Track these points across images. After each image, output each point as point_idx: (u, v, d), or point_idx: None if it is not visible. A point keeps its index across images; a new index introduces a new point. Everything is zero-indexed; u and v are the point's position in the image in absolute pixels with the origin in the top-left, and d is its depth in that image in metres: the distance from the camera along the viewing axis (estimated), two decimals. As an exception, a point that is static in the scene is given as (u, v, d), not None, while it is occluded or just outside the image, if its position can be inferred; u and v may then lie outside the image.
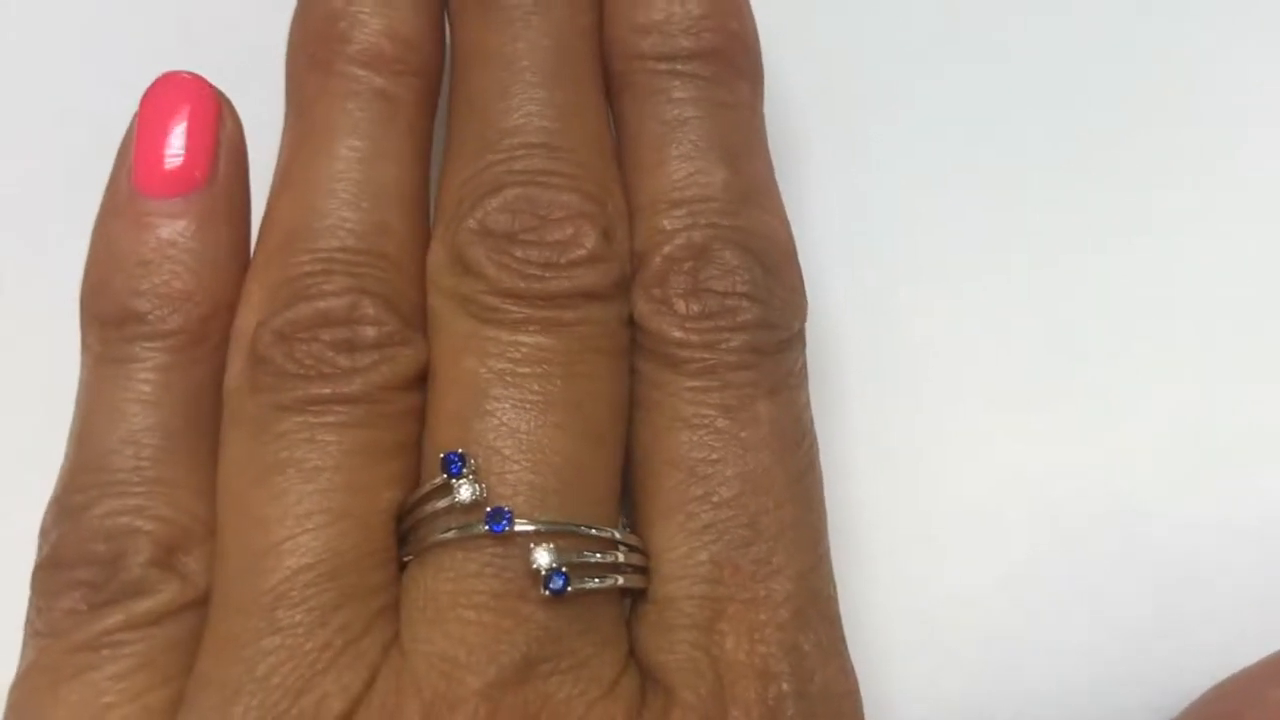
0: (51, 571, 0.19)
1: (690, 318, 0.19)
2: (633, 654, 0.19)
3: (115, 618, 0.18)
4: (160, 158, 0.20)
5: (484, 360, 0.19)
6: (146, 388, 0.20)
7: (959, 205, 0.25)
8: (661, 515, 0.19)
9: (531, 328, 0.19)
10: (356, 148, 0.20)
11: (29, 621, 0.19)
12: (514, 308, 0.19)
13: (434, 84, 0.21)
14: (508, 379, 0.19)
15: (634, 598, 0.19)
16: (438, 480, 0.18)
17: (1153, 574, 0.23)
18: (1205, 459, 0.24)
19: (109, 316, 0.20)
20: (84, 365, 0.20)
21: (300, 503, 0.18)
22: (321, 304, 0.19)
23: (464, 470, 0.18)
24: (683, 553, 0.19)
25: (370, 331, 0.19)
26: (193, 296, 0.20)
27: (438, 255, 0.20)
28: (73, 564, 0.19)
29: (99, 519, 0.19)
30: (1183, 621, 0.23)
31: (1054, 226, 0.25)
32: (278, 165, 0.21)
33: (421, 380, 0.19)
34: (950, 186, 0.26)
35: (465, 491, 0.18)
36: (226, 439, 0.19)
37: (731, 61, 0.21)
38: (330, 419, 0.19)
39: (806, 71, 0.26)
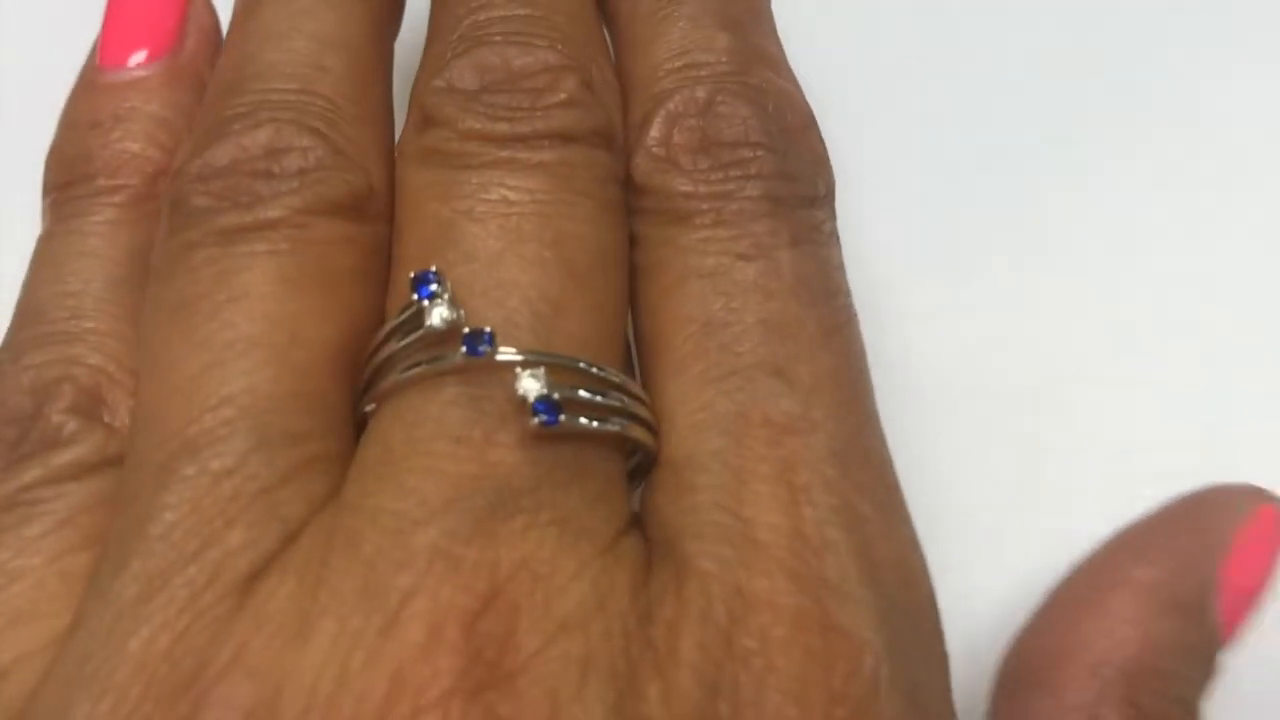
0: None
1: (699, 170, 0.17)
2: (640, 528, 0.16)
3: (32, 473, 0.16)
4: (123, 33, 0.19)
5: (448, 202, 0.16)
6: (91, 241, 0.18)
7: (959, 205, 0.24)
8: (674, 371, 0.16)
9: (501, 170, 0.16)
10: (296, 3, 0.18)
11: None
12: (481, 149, 0.17)
13: None
14: (475, 216, 0.16)
15: (642, 467, 0.16)
16: (404, 314, 0.15)
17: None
18: (1211, 464, 0.22)
19: (60, 181, 0.19)
20: (39, 239, 0.19)
21: (209, 337, 0.15)
22: (244, 139, 0.17)
23: (437, 291, 0.15)
24: (700, 404, 0.15)
25: (294, 159, 0.17)
26: (145, 152, 0.19)
27: (405, 127, 0.18)
28: None
29: (24, 370, 0.17)
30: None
31: (1055, 229, 0.24)
32: (227, 32, 0.19)
33: (359, 209, 0.17)
34: (950, 187, 0.25)
35: (438, 314, 0.15)
36: (150, 288, 0.17)
37: None
38: (245, 248, 0.16)
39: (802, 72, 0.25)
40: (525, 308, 0.15)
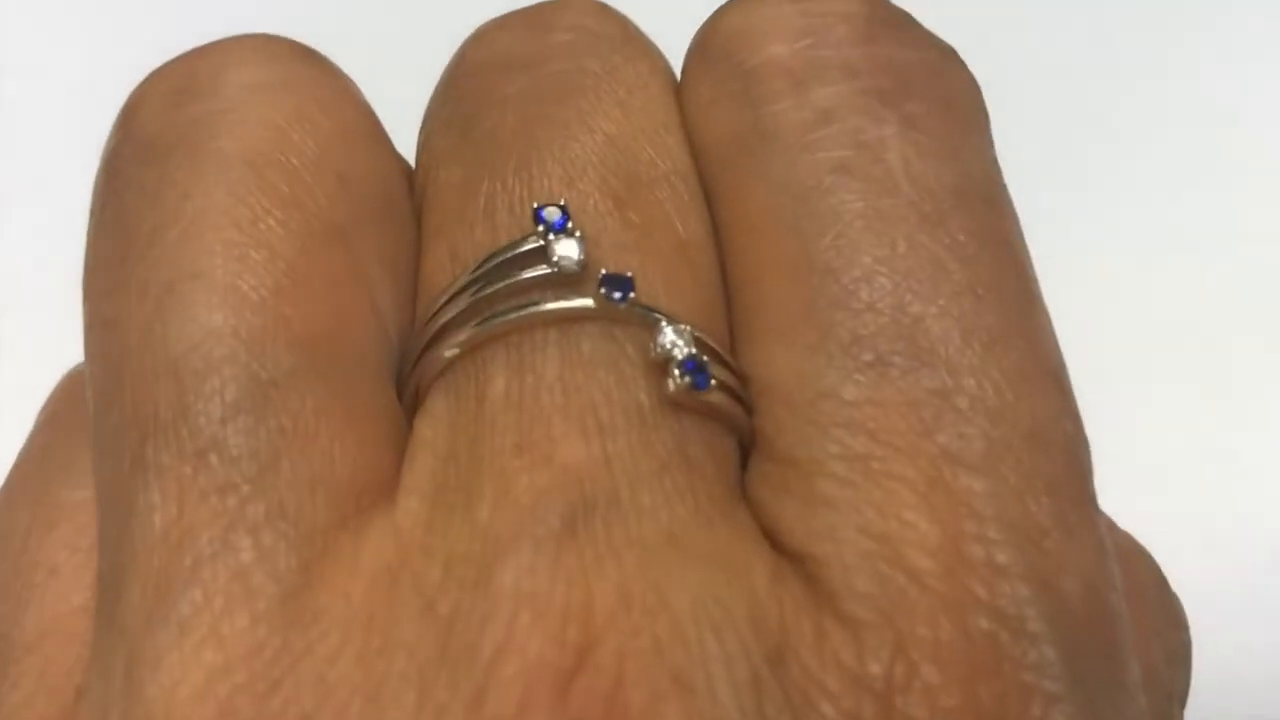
0: None
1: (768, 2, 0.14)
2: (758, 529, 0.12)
3: None
4: None
5: (463, 140, 0.14)
6: None
7: None
8: (776, 338, 0.13)
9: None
10: None
11: None
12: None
13: None
14: (488, 139, 0.14)
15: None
16: (467, 274, 0.13)
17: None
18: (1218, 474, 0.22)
19: None
20: None
21: (156, 276, 0.13)
22: None
23: (566, 225, 0.13)
24: (822, 388, 0.12)
25: None
26: None
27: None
28: None
29: None
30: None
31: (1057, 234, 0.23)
32: None
33: None
34: None
35: (568, 248, 0.12)
36: None
37: None
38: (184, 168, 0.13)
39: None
40: (595, 236, 0.13)
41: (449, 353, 0.12)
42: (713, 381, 0.12)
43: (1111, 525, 0.14)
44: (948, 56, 0.14)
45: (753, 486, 0.13)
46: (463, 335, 0.12)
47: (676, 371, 0.12)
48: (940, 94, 0.14)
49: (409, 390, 0.13)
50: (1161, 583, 0.15)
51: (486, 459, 0.12)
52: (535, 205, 0.13)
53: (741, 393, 0.13)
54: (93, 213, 0.14)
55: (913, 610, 0.11)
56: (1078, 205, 0.25)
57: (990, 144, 0.14)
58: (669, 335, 0.12)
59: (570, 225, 0.12)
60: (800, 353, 0.12)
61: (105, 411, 0.12)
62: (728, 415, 0.12)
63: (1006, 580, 0.11)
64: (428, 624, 0.11)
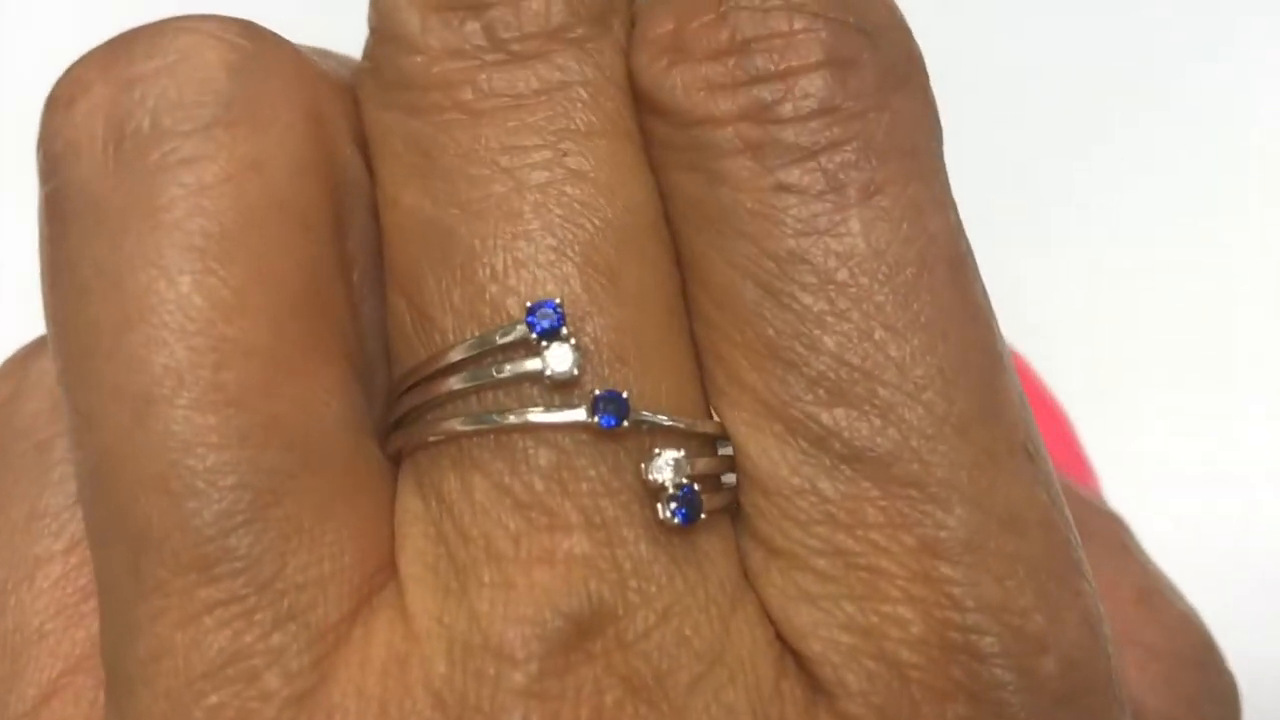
0: None
1: (713, 58, 0.12)
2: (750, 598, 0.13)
3: None
4: None
5: (425, 180, 0.13)
6: None
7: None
8: (749, 422, 0.12)
9: (484, 122, 0.12)
10: None
11: None
12: (450, 76, 0.13)
13: None
14: (462, 200, 0.12)
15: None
16: (491, 339, 0.12)
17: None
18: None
19: None
20: None
21: (129, 380, 0.12)
22: None
23: (561, 329, 0.12)
24: (796, 483, 0.12)
25: None
26: None
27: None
28: None
29: None
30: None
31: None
32: None
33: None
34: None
35: (561, 359, 0.12)
36: None
37: None
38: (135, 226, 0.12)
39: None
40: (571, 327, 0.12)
41: (434, 437, 0.12)
42: (703, 515, 0.12)
43: (1164, 599, 0.14)
44: (906, 82, 0.13)
45: (753, 573, 0.13)
46: (456, 425, 0.12)
47: (670, 507, 0.12)
48: (902, 143, 0.13)
49: (391, 447, 0.13)
50: (1208, 656, 0.16)
51: (481, 546, 0.12)
52: (528, 304, 0.12)
53: (733, 484, 0.13)
54: (45, 273, 0.13)
55: (900, 703, 0.12)
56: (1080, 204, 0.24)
57: (947, 181, 0.13)
58: (661, 469, 0.12)
59: (565, 331, 0.12)
60: (772, 444, 0.12)
61: (95, 504, 0.12)
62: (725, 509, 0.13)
63: (985, 666, 0.12)
64: (437, 715, 0.11)
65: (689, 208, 0.13)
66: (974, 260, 0.13)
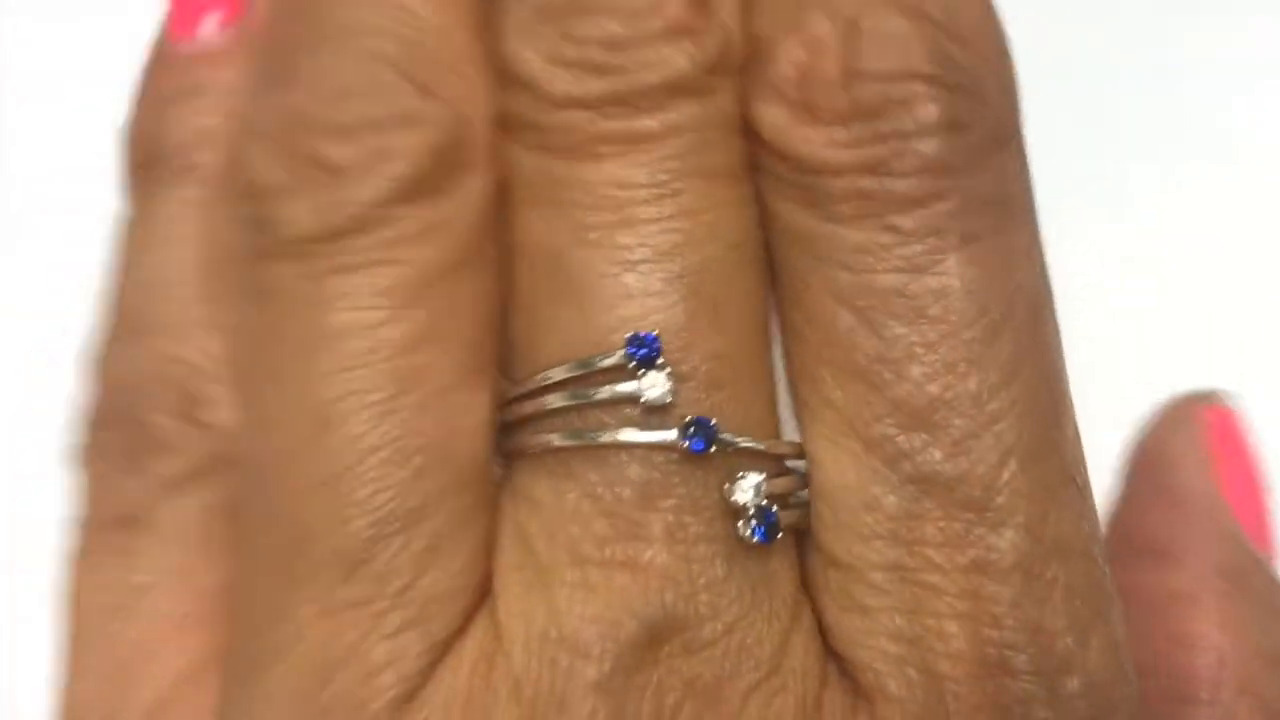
0: (89, 435, 0.16)
1: (839, 120, 0.13)
2: (805, 609, 0.14)
3: (140, 483, 0.14)
4: (191, 6, 0.17)
5: (550, 213, 0.14)
6: (178, 225, 0.16)
7: None
8: (829, 437, 0.14)
9: (604, 151, 0.13)
10: None
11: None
12: (574, 121, 0.14)
13: None
14: (586, 240, 0.13)
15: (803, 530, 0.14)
16: (590, 363, 0.13)
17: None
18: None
19: (137, 160, 0.17)
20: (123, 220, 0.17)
21: (302, 388, 0.13)
22: (323, 82, 0.14)
23: (656, 358, 0.13)
24: (864, 497, 0.13)
25: (386, 110, 0.13)
26: (219, 129, 0.16)
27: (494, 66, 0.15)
28: (98, 423, 0.15)
29: (116, 365, 0.15)
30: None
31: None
32: None
33: (452, 171, 0.14)
34: None
35: (656, 386, 0.13)
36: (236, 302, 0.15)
37: None
38: (324, 262, 0.13)
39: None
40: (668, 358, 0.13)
41: (538, 446, 0.13)
42: (779, 535, 0.13)
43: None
44: (1008, 142, 0.14)
45: (812, 586, 0.14)
46: (554, 440, 0.13)
47: (750, 525, 0.13)
48: (1000, 195, 0.14)
49: (498, 454, 0.14)
50: None
51: (566, 548, 0.13)
52: (628, 335, 0.13)
53: (802, 501, 0.14)
54: (243, 299, 0.14)
55: (934, 712, 0.13)
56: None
57: (1038, 233, 0.14)
58: (743, 492, 0.13)
59: (661, 361, 0.13)
60: (847, 460, 0.13)
61: (255, 502, 0.14)
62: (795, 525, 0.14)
63: (1017, 680, 0.13)
64: (514, 704, 0.13)
65: (795, 238, 0.14)
66: (1053, 304, 0.14)
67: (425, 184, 0.13)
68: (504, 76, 0.14)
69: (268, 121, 0.14)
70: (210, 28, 0.16)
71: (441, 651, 0.13)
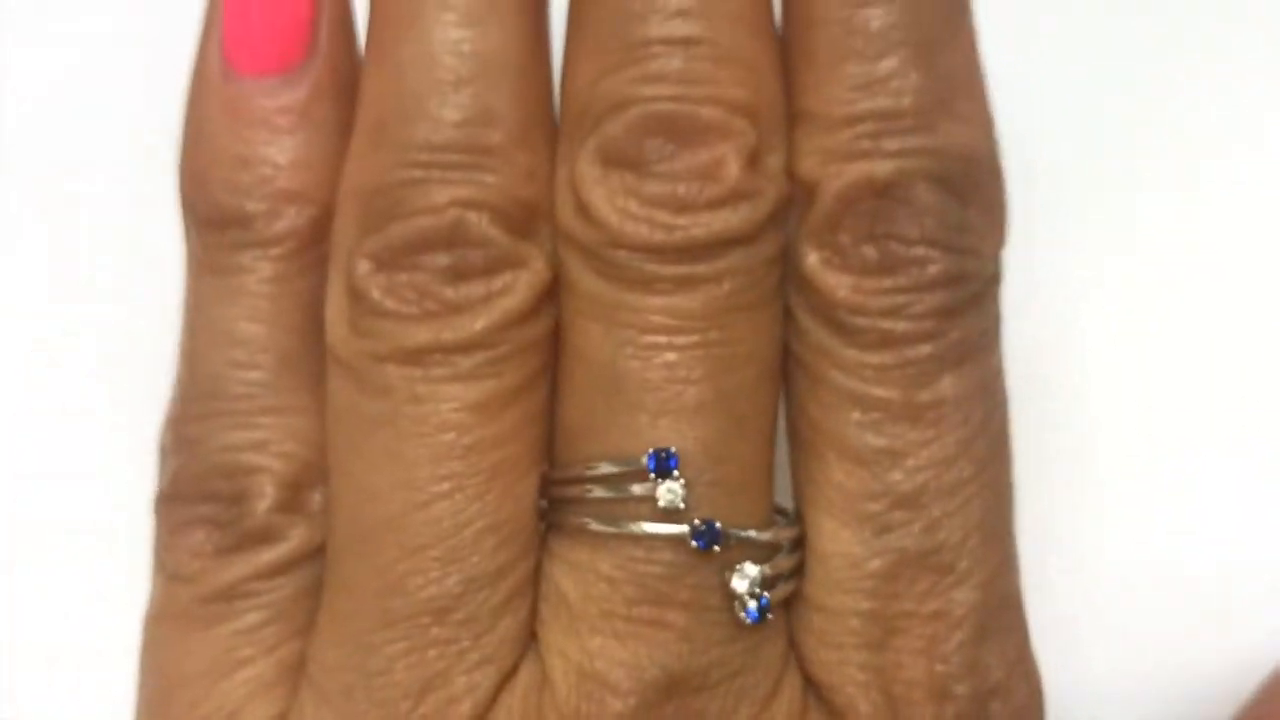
0: (174, 505, 0.18)
1: (867, 273, 0.16)
2: (793, 653, 0.17)
3: (243, 568, 0.17)
4: (252, 25, 0.17)
5: (609, 329, 0.16)
6: (256, 302, 0.17)
7: None
8: (829, 511, 0.17)
9: (662, 287, 0.16)
10: (450, 16, 0.16)
11: (156, 554, 0.18)
12: (641, 264, 0.16)
13: None
14: (637, 354, 0.16)
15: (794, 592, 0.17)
16: (619, 466, 0.16)
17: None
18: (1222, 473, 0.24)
19: (210, 218, 0.17)
20: (189, 269, 0.18)
21: (408, 472, 0.16)
22: (419, 222, 0.16)
23: (674, 472, 0.16)
24: (853, 560, 0.16)
25: (477, 255, 0.16)
26: (299, 196, 0.17)
27: (559, 180, 0.17)
28: (194, 500, 0.17)
29: (218, 453, 0.17)
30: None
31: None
32: (367, 35, 0.17)
33: (542, 301, 0.17)
34: None
35: (668, 495, 0.16)
36: (330, 378, 0.17)
37: None
38: (437, 372, 0.16)
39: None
40: (689, 465, 0.16)
41: (578, 526, 0.16)
42: (769, 616, 0.16)
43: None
44: (994, 287, 0.17)
45: (800, 627, 0.17)
46: (592, 524, 0.16)
47: (747, 609, 0.16)
48: (984, 326, 0.17)
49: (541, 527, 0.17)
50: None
51: (600, 605, 0.16)
52: (650, 450, 0.16)
53: (792, 565, 0.17)
54: (351, 388, 0.17)
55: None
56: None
57: (1001, 348, 0.18)
58: (739, 581, 0.16)
59: (677, 473, 0.16)
60: (842, 529, 0.17)
61: (354, 556, 0.16)
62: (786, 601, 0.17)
63: (957, 703, 0.17)
64: None
65: (821, 353, 0.17)
66: (1008, 404, 0.17)
67: (526, 314, 0.16)
68: (578, 207, 0.16)
69: (376, 248, 0.16)
70: (273, 65, 0.17)
71: (505, 682, 0.16)
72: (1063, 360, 0.24)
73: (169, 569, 0.18)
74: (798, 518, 0.17)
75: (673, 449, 0.16)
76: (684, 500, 0.16)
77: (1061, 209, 0.25)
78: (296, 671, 0.17)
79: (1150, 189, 0.25)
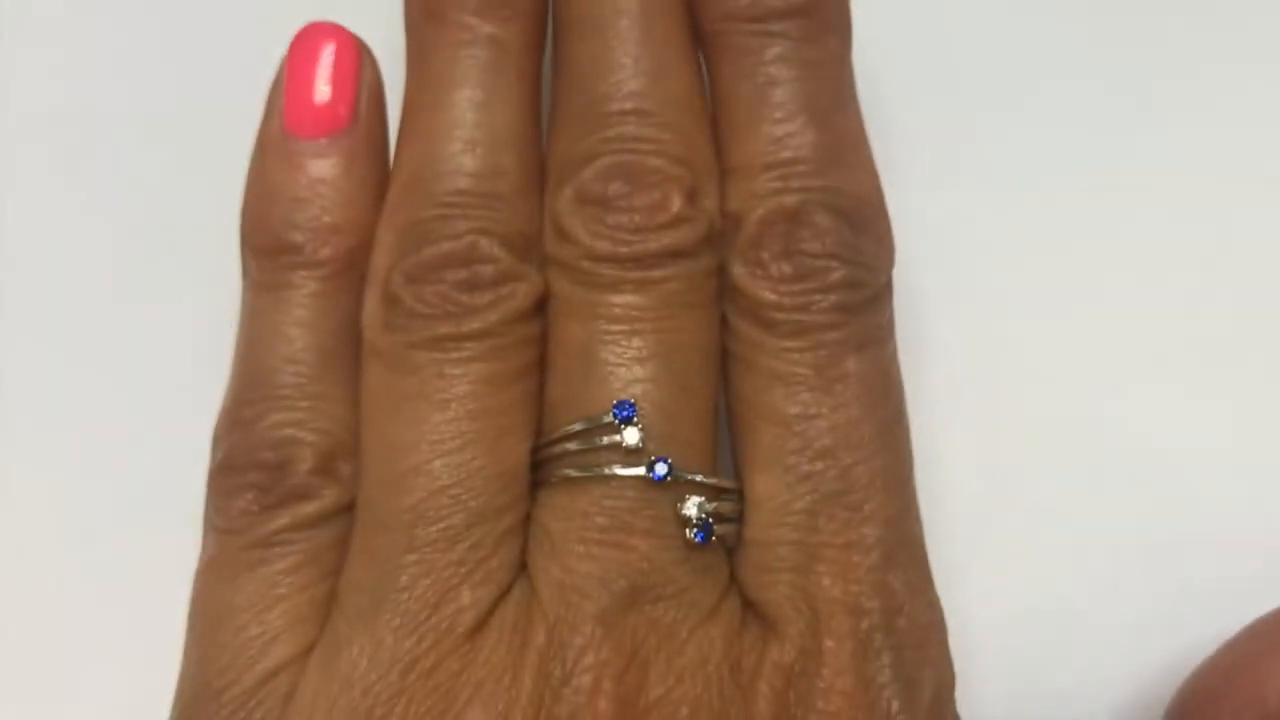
0: (226, 475, 0.21)
1: (783, 280, 0.21)
2: (735, 585, 0.21)
3: (284, 519, 0.21)
4: (308, 101, 0.22)
5: (583, 323, 0.21)
6: (303, 311, 0.22)
7: (966, 205, 0.27)
8: (761, 467, 0.21)
9: (624, 288, 0.21)
10: (470, 96, 0.22)
11: (207, 518, 0.22)
12: (607, 270, 0.21)
13: (540, 25, 0.23)
14: (607, 338, 0.21)
15: (735, 538, 0.21)
16: (591, 423, 0.20)
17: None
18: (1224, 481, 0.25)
19: (267, 247, 0.22)
20: (245, 290, 0.22)
21: (433, 430, 0.20)
22: (444, 246, 0.21)
23: (634, 419, 0.20)
24: (781, 502, 0.20)
25: (488, 269, 0.21)
26: (341, 229, 0.22)
27: (547, 217, 0.22)
28: (244, 469, 0.21)
29: (266, 429, 0.21)
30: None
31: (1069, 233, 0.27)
32: (403, 111, 0.23)
33: (537, 309, 0.21)
34: (961, 186, 0.27)
35: (631, 436, 0.20)
36: (366, 368, 0.21)
37: (821, 17, 0.22)
38: (456, 355, 0.20)
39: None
40: (647, 419, 0.20)
41: (559, 476, 0.20)
42: (714, 538, 0.20)
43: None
44: (887, 292, 0.22)
45: (736, 563, 0.21)
46: (571, 472, 0.20)
47: (693, 532, 0.20)
48: (878, 321, 0.22)
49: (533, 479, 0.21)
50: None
51: (577, 531, 0.20)
52: (614, 402, 0.20)
53: (734, 510, 0.21)
54: (383, 370, 0.21)
55: (815, 634, 0.20)
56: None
57: (893, 334, 0.22)
58: (689, 508, 0.20)
59: (635, 419, 0.20)
60: (770, 479, 0.21)
61: (388, 502, 0.20)
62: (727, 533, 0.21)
63: (867, 617, 0.20)
64: (544, 625, 0.20)
65: (750, 344, 0.21)
66: (901, 383, 0.22)
67: (527, 313, 0.21)
68: (558, 233, 0.21)
69: (410, 267, 0.21)
70: (324, 129, 0.22)
71: (502, 597, 0.20)
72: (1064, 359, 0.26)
73: (220, 527, 0.21)
74: (738, 479, 0.21)
75: (632, 401, 0.20)
76: (642, 442, 0.20)
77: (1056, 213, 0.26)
78: (325, 608, 0.21)
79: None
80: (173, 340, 0.26)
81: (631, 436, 0.20)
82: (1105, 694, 0.24)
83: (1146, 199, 0.27)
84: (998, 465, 0.25)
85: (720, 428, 0.22)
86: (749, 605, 0.21)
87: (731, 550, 0.21)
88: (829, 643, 0.20)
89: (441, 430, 0.20)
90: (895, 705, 0.20)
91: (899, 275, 0.22)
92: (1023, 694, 0.24)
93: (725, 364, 0.22)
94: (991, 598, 0.24)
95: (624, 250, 0.21)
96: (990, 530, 0.25)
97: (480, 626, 0.20)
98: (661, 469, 0.20)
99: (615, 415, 0.20)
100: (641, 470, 0.20)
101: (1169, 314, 0.26)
